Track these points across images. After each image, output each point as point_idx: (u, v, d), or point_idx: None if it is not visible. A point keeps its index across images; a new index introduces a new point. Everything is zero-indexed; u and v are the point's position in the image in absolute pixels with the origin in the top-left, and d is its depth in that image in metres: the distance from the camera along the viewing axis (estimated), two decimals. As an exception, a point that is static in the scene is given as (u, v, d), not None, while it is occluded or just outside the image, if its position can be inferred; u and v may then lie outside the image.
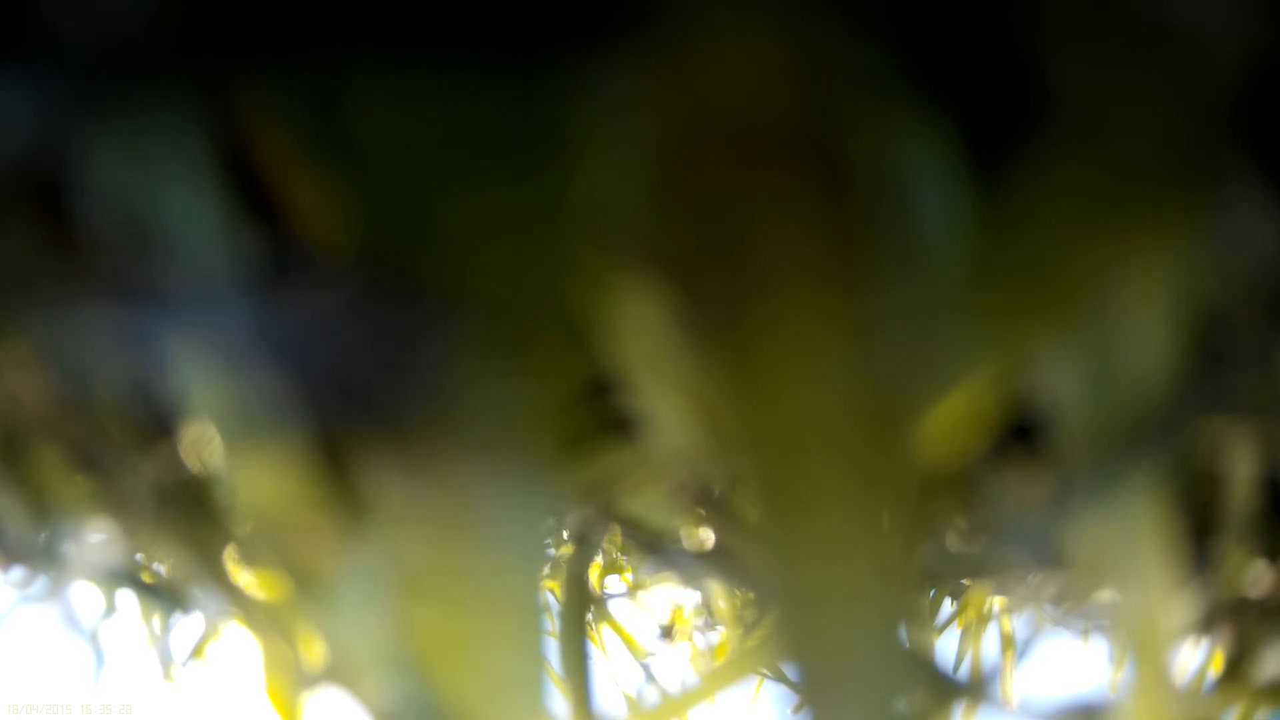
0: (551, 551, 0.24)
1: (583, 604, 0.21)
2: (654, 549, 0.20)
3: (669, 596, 0.38)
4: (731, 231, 0.09)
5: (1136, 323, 0.10)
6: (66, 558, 0.23)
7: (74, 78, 0.09)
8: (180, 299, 0.10)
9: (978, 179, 0.09)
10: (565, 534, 0.22)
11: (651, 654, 0.38)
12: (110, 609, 0.27)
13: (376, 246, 0.09)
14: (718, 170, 0.08)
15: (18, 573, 0.25)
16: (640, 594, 0.38)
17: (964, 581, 0.27)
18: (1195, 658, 0.22)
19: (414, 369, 0.09)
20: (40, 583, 0.25)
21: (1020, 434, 0.16)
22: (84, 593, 0.27)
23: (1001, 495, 0.17)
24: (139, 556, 0.26)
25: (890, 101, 0.09)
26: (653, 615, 0.39)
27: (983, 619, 0.33)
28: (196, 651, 0.29)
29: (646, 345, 0.10)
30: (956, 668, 0.33)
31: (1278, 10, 0.09)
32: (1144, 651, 0.12)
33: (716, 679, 0.19)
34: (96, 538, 0.23)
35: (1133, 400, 0.10)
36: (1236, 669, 0.21)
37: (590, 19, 0.08)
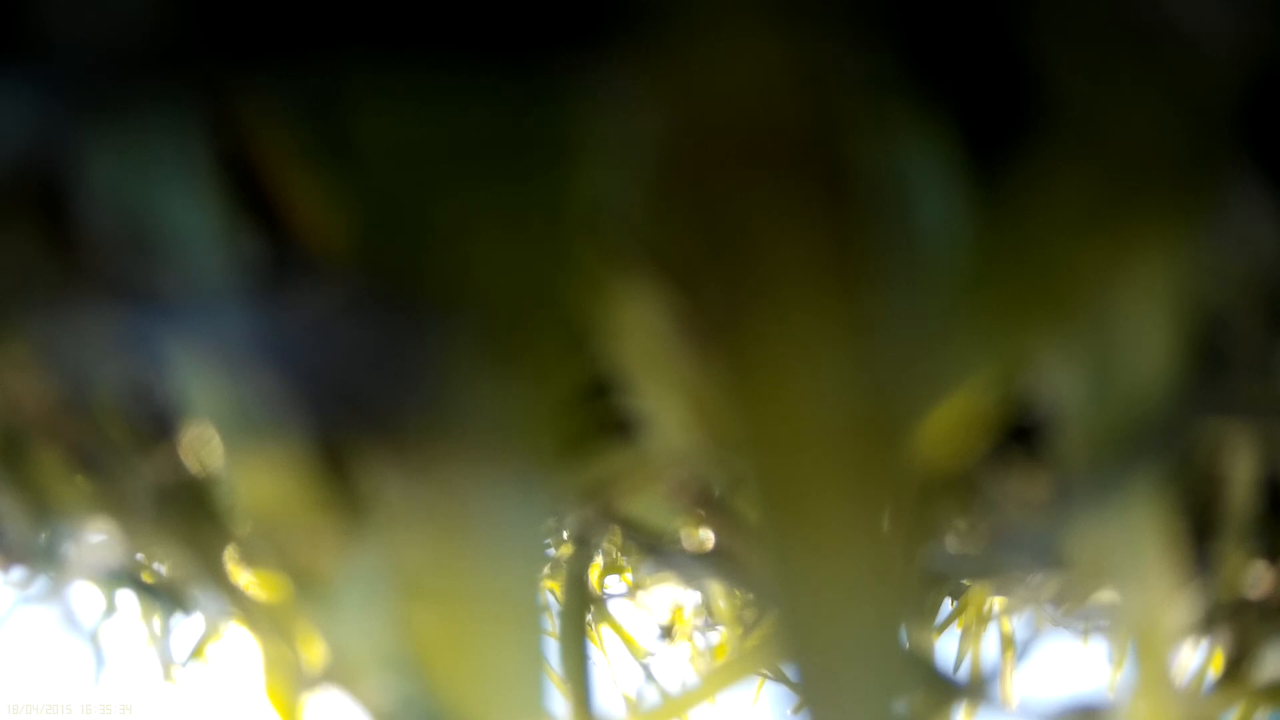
0: (551, 552, 0.24)
1: (583, 604, 0.21)
2: (654, 550, 0.20)
3: (669, 596, 0.38)
4: (731, 233, 0.09)
5: (1136, 325, 0.10)
6: (66, 558, 0.23)
7: (74, 81, 0.09)
8: (179, 302, 0.10)
9: (977, 181, 0.09)
10: (565, 535, 0.22)
11: (651, 654, 0.38)
12: (110, 609, 0.27)
13: (375, 249, 0.09)
14: (717, 172, 0.08)
15: (18, 573, 0.25)
16: (640, 594, 0.38)
17: (964, 582, 0.27)
18: (1195, 658, 0.22)
19: (413, 371, 0.09)
20: (40, 583, 0.25)
21: (1020, 436, 0.16)
22: (84, 593, 0.27)
23: (1001, 497, 0.17)
24: (139, 557, 0.26)
25: (889, 103, 0.09)
26: (653, 615, 0.39)
27: (983, 620, 0.33)
28: (196, 652, 0.29)
29: (646, 347, 0.10)
30: (956, 668, 0.33)
31: (1277, 11, 0.09)
32: (1144, 652, 0.12)
33: (716, 679, 0.19)
34: (96, 538, 0.23)
35: (1133, 402, 0.10)
36: (1236, 669, 0.21)
37: (589, 21, 0.08)
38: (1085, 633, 0.33)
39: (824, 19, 0.08)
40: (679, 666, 0.39)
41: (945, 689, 0.17)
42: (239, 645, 0.28)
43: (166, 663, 0.29)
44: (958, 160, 0.09)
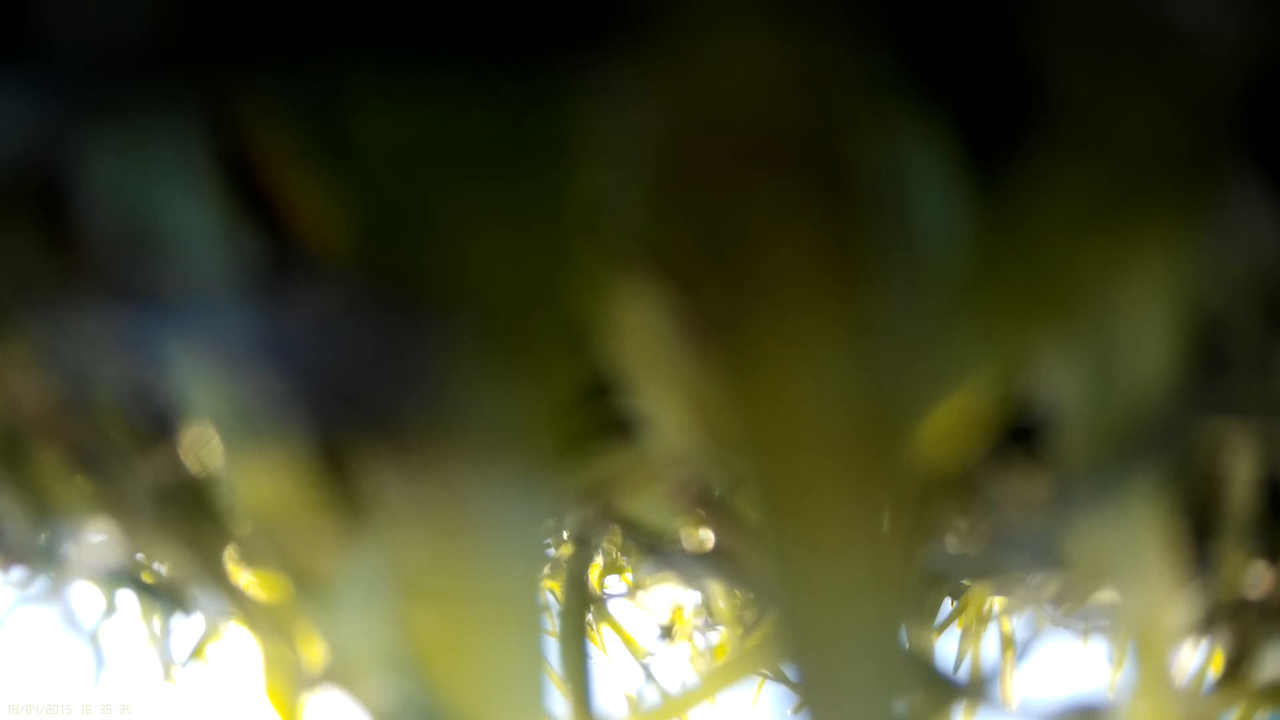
0: (551, 552, 0.24)
1: (583, 604, 0.21)
2: (654, 550, 0.20)
3: (669, 596, 0.38)
4: (730, 233, 0.09)
5: (1136, 325, 0.10)
6: (66, 558, 0.23)
7: (74, 82, 0.09)
8: (180, 302, 0.10)
9: (977, 181, 0.09)
10: (565, 535, 0.22)
11: (651, 654, 0.38)
12: (110, 609, 0.27)
13: (375, 249, 0.09)
14: (717, 172, 0.08)
15: (18, 573, 0.25)
16: (640, 594, 0.38)
17: (964, 582, 0.27)
18: (1195, 658, 0.22)
19: (413, 371, 0.09)
20: (40, 583, 0.25)
21: (1020, 436, 0.16)
22: (84, 593, 0.27)
23: (1001, 497, 0.17)
24: (139, 556, 0.26)
25: (889, 103, 0.09)
26: (653, 615, 0.39)
27: (983, 620, 0.33)
28: (196, 652, 0.29)
29: (646, 347, 0.10)
30: (956, 668, 0.33)
31: (1277, 11, 0.09)
32: (1144, 652, 0.12)
33: (716, 679, 0.19)
34: (96, 538, 0.23)
35: (1133, 402, 0.10)
36: (1236, 669, 0.21)
37: (589, 21, 0.08)
38: (1085, 633, 0.33)
39: (824, 19, 0.08)
40: (679, 666, 0.39)
41: (945, 689, 0.17)
42: (239, 645, 0.28)
43: (166, 663, 0.29)
44: (958, 160, 0.09)
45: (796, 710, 0.09)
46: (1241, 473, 0.17)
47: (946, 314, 0.09)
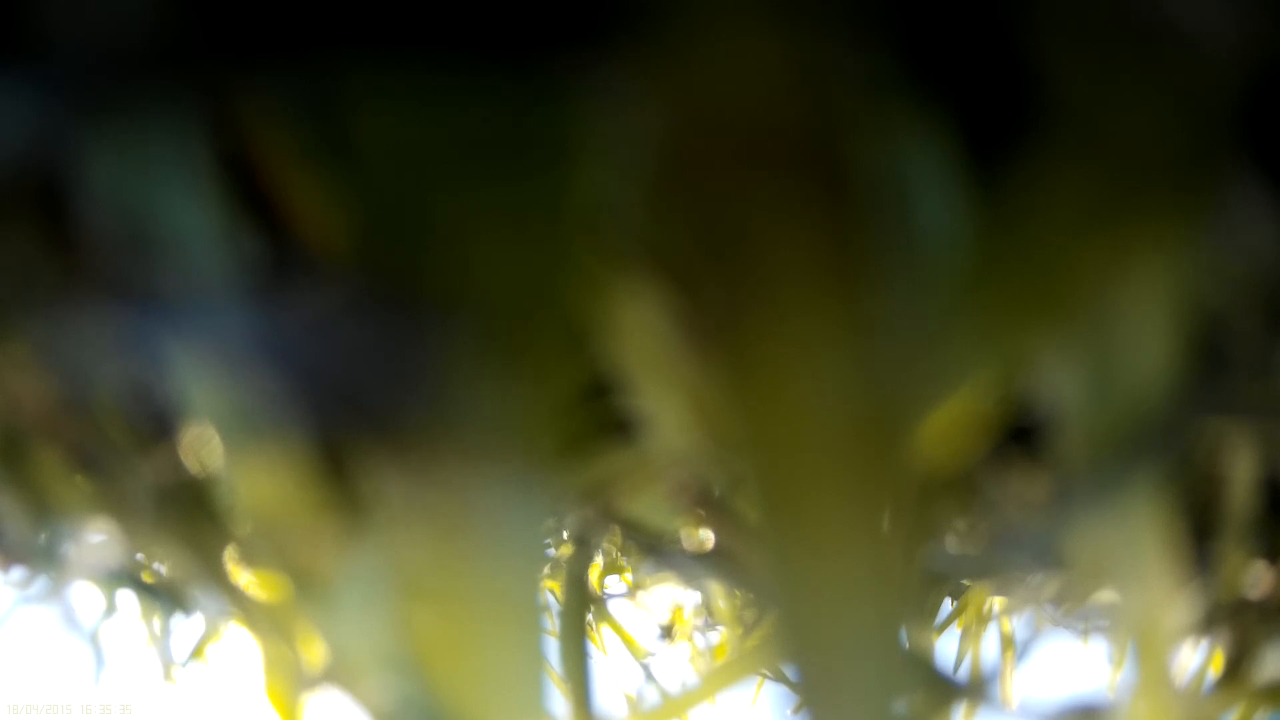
0: (551, 552, 0.24)
1: (583, 604, 0.21)
2: (654, 550, 0.20)
3: (669, 596, 0.38)
4: (730, 233, 0.09)
5: (1136, 325, 0.10)
6: (66, 558, 0.23)
7: (74, 82, 0.09)
8: (179, 302, 0.10)
9: (977, 181, 0.09)
10: (565, 535, 0.22)
11: (651, 654, 0.38)
12: (110, 609, 0.27)
13: (375, 249, 0.09)
14: (717, 172, 0.08)
15: (18, 573, 0.25)
16: (640, 594, 0.38)
17: (964, 582, 0.27)
18: (1195, 658, 0.22)
19: (413, 371, 0.09)
20: (40, 583, 0.25)
21: (1020, 436, 0.16)
22: (84, 593, 0.27)
23: (1001, 497, 0.17)
24: (139, 556, 0.26)
25: (889, 103, 0.09)
26: (653, 615, 0.39)
27: (983, 620, 0.33)
28: (196, 652, 0.29)
29: (646, 347, 0.10)
30: (956, 668, 0.33)
31: (1277, 11, 0.09)
32: (1144, 652, 0.12)
33: (716, 679, 0.19)
34: (96, 538, 0.23)
35: (1133, 402, 0.10)
36: (1236, 670, 0.21)
37: (589, 21, 0.08)
38: (1085, 633, 0.33)
39: (824, 19, 0.08)
40: (679, 666, 0.39)
41: (945, 689, 0.17)
42: (239, 645, 0.28)
43: (166, 663, 0.29)
44: (958, 160, 0.09)
45: (796, 710, 0.09)
46: (1241, 473, 0.17)
47: (946, 314, 0.09)
